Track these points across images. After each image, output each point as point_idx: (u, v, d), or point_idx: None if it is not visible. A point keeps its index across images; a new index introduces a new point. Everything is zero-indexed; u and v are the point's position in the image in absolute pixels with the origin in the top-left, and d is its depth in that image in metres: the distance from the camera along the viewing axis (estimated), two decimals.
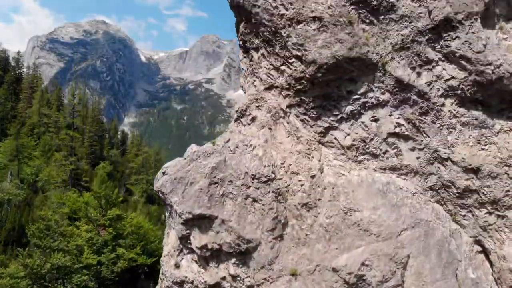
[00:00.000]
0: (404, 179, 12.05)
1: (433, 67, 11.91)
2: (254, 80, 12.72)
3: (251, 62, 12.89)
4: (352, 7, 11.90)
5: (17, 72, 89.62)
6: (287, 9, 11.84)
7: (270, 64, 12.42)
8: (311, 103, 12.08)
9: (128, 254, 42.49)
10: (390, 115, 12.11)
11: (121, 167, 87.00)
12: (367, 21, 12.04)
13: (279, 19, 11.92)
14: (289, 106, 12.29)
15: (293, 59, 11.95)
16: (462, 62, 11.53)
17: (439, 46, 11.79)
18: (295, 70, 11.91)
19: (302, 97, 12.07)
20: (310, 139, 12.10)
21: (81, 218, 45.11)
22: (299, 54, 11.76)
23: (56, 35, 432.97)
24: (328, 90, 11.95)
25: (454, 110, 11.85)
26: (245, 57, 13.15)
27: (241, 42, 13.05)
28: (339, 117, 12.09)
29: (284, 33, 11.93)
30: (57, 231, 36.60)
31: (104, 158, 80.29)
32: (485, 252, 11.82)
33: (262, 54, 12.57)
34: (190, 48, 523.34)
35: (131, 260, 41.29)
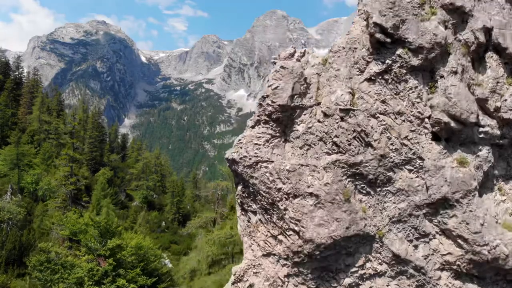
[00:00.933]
0: None
1: (430, 239, 11.94)
2: (252, 244, 12.74)
3: (248, 223, 12.90)
4: (349, 179, 11.90)
5: (17, 76, 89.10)
6: (284, 183, 11.84)
7: (268, 232, 12.43)
8: (310, 274, 12.10)
9: (129, 285, 42.63)
10: (387, 286, 12.15)
11: (121, 173, 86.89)
12: (364, 192, 12.04)
13: (276, 192, 11.93)
14: (287, 276, 12.31)
15: (291, 232, 11.97)
16: (459, 240, 11.54)
17: (436, 221, 11.80)
18: (292, 243, 11.93)
19: (301, 269, 12.09)
20: None
21: (81, 241, 45.09)
22: (297, 229, 11.77)
23: (57, 36, 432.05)
24: (326, 263, 11.97)
25: (450, 283, 11.89)
26: (243, 215, 13.16)
27: (239, 201, 13.05)
28: None
29: (281, 205, 11.94)
30: (58, 263, 36.57)
31: (104, 164, 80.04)
32: None
33: (260, 220, 12.58)
34: (190, 48, 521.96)
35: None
